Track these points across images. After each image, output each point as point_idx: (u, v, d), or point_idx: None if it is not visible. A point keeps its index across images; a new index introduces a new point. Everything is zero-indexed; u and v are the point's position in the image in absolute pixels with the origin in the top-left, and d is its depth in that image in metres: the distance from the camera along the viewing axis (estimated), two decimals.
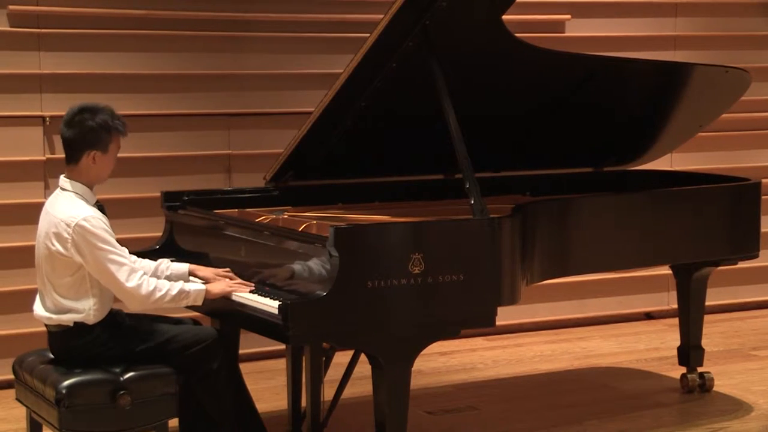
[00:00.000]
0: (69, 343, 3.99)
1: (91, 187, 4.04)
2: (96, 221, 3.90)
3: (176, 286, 4.00)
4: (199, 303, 4.06)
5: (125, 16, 6.01)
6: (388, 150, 4.95)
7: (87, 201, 3.99)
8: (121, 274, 3.89)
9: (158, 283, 3.97)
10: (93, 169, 4.00)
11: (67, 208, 3.93)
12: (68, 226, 3.88)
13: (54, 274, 3.95)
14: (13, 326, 5.73)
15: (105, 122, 3.97)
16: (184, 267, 4.29)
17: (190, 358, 4.04)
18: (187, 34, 6.13)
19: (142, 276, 3.94)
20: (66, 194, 3.99)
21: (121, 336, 4.01)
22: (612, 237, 4.77)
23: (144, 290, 3.91)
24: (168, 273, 4.24)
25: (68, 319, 3.95)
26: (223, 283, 4.14)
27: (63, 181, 4.04)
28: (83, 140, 3.95)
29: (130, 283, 3.89)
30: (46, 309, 4.01)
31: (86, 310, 3.95)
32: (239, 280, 4.18)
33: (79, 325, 3.96)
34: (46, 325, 4.06)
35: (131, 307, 4.00)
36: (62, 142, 4.04)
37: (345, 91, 4.46)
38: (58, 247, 3.90)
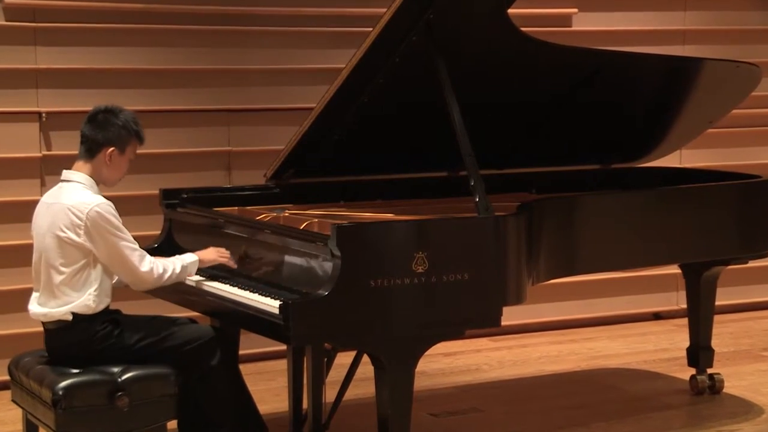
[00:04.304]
0: (67, 340, 4.01)
1: (97, 184, 4.10)
2: (108, 207, 4.00)
3: (178, 263, 4.18)
4: (194, 272, 4.24)
5: (123, 9, 6.02)
6: (390, 147, 4.96)
7: (93, 192, 4.06)
8: (135, 259, 4.03)
9: (164, 264, 4.13)
10: (105, 169, 4.10)
11: (76, 196, 4.01)
12: (81, 212, 3.96)
13: (64, 262, 3.99)
14: (9, 326, 5.75)
15: (128, 123, 4.11)
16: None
17: (187, 355, 4.07)
18: (186, 29, 6.14)
19: (151, 260, 4.09)
20: (71, 185, 4.06)
21: (118, 332, 4.04)
22: (619, 235, 4.77)
23: (156, 273, 4.09)
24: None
25: (66, 311, 3.98)
26: (214, 252, 4.32)
27: (68, 173, 4.10)
28: (104, 136, 4.07)
29: (144, 268, 4.05)
30: (44, 305, 4.04)
31: (85, 296, 3.99)
32: (228, 255, 4.33)
33: (77, 319, 3.99)
34: (43, 324, 4.08)
35: (139, 288, 4.16)
36: (81, 138, 4.12)
37: (347, 87, 4.47)
38: (69, 234, 3.96)
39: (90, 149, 4.08)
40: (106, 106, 4.14)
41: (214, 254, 4.31)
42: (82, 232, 3.96)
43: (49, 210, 4.05)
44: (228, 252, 4.34)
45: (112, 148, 4.07)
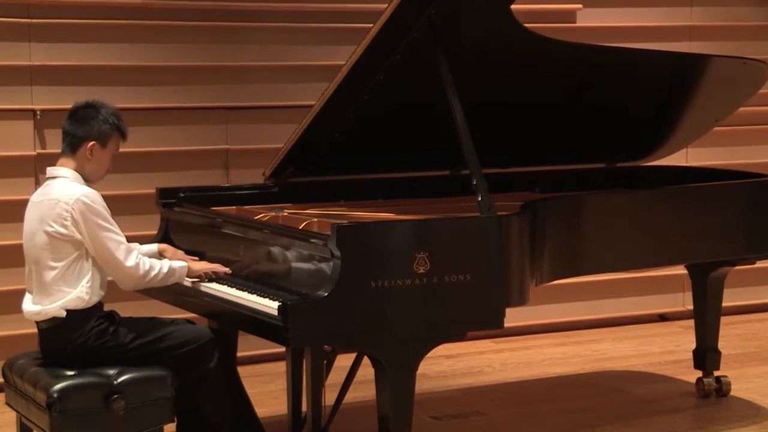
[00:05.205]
0: (61, 339, 4.01)
1: (83, 180, 4.11)
2: (95, 197, 4.00)
3: (165, 264, 4.15)
4: (183, 280, 4.22)
5: (119, 5, 6.02)
6: (391, 145, 4.96)
7: (80, 184, 4.07)
8: (120, 253, 4.00)
9: (152, 262, 4.10)
10: (88, 164, 4.10)
11: (63, 188, 4.02)
12: (67, 203, 3.96)
13: (55, 257, 3.99)
14: (3, 327, 5.75)
15: (108, 117, 4.11)
16: (153, 247, 4.43)
17: (184, 357, 4.08)
18: (183, 25, 6.14)
19: (138, 255, 4.06)
20: (57, 180, 4.08)
21: (114, 330, 4.04)
22: (625, 235, 4.77)
23: (141, 269, 4.05)
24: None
25: (60, 306, 3.98)
26: (204, 263, 4.33)
27: (52, 169, 4.12)
28: (84, 131, 4.08)
29: (129, 263, 4.02)
30: (38, 303, 4.04)
31: (78, 289, 3.98)
32: (219, 266, 4.34)
33: (71, 316, 3.98)
34: (37, 324, 4.08)
35: (125, 286, 4.12)
36: (62, 135, 4.13)
37: (347, 84, 4.46)
38: (57, 227, 3.97)
39: (71, 144, 4.09)
40: (87, 102, 4.14)
41: (203, 265, 4.31)
42: (68, 223, 3.96)
43: (37, 208, 4.06)
44: (220, 266, 4.33)
45: (92, 143, 4.07)
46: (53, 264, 4.00)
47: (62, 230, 3.97)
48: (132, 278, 4.05)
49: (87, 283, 4.01)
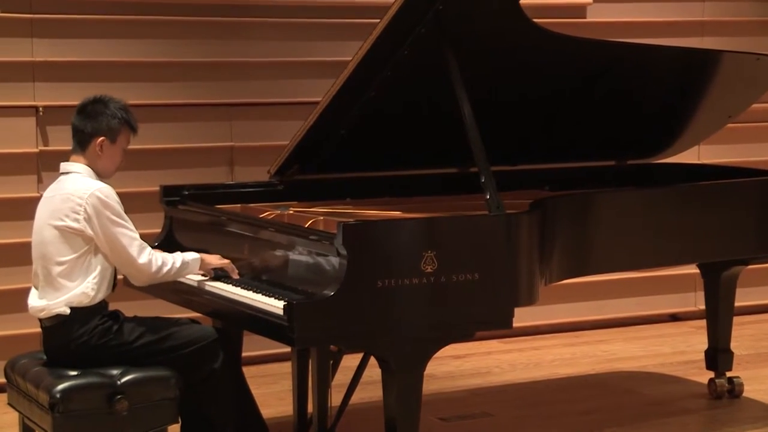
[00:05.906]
0: (64, 337, 4.01)
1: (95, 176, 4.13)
2: (109, 192, 4.03)
3: (178, 258, 4.17)
4: (196, 271, 4.25)
5: (122, 1, 6.02)
6: (399, 142, 4.95)
7: (94, 179, 4.09)
8: (134, 249, 4.03)
9: (164, 257, 4.13)
10: (99, 160, 4.12)
11: (78, 183, 4.04)
12: (81, 198, 3.98)
13: (63, 252, 4.00)
14: (6, 327, 5.75)
15: (117, 112, 4.13)
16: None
17: (188, 357, 4.08)
18: (187, 20, 6.15)
19: (150, 252, 4.09)
20: (71, 176, 4.10)
21: (117, 328, 4.05)
22: (635, 234, 4.77)
23: (154, 266, 4.07)
24: None
25: (64, 302, 3.99)
26: (217, 257, 4.33)
27: (66, 165, 4.14)
28: (93, 127, 4.10)
29: (142, 259, 4.04)
30: (43, 297, 4.05)
31: (84, 284, 3.99)
32: (230, 263, 4.35)
33: (74, 313, 3.99)
34: (40, 321, 4.09)
35: (138, 282, 4.16)
36: (72, 131, 4.15)
37: (354, 80, 4.46)
38: (68, 221, 3.99)
39: (81, 141, 4.12)
40: (95, 97, 4.16)
41: (216, 259, 4.32)
42: (81, 217, 3.98)
43: (49, 203, 4.08)
44: (231, 263, 4.33)
45: (102, 138, 4.09)
46: (61, 259, 4.01)
47: (74, 224, 3.98)
48: (144, 274, 4.08)
49: (94, 279, 4.02)
